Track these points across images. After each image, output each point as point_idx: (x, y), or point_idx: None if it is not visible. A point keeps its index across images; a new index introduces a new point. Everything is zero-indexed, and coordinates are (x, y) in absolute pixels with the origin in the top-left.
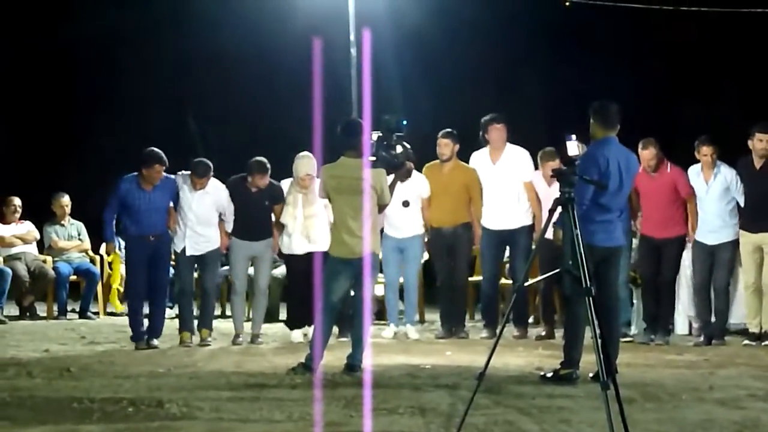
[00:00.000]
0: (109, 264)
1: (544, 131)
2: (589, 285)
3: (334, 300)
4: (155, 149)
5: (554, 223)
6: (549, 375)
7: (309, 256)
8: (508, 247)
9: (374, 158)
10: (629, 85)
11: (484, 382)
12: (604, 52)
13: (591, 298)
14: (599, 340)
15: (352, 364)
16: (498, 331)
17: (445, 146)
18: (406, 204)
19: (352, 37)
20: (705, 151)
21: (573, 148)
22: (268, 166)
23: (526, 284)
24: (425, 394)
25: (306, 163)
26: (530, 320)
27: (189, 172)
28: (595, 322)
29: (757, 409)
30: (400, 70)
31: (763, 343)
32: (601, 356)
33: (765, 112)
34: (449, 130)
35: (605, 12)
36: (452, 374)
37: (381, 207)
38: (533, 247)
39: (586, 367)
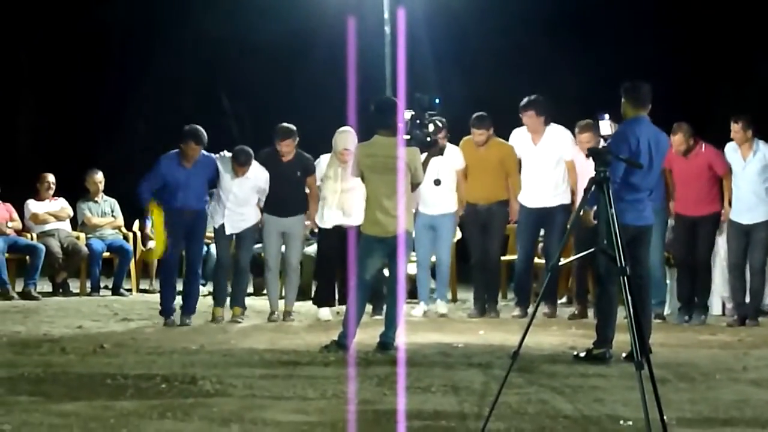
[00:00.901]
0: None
1: (577, 111)
2: (624, 264)
3: (367, 278)
4: (195, 126)
5: (586, 205)
6: (582, 354)
7: (340, 231)
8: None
9: (408, 137)
10: (663, 64)
11: (518, 361)
12: (638, 31)
13: (626, 278)
14: (633, 320)
15: (386, 342)
16: (532, 310)
17: (479, 136)
18: (437, 183)
19: (386, 15)
20: (734, 128)
21: (606, 127)
22: (293, 129)
23: (560, 263)
24: (458, 373)
25: (345, 137)
26: (563, 299)
27: (230, 155)
28: (630, 302)
29: None
30: (433, 49)
31: None
32: (635, 336)
33: None
34: (481, 115)
35: None
36: (485, 353)
37: (414, 186)
38: (568, 226)
39: (620, 346)
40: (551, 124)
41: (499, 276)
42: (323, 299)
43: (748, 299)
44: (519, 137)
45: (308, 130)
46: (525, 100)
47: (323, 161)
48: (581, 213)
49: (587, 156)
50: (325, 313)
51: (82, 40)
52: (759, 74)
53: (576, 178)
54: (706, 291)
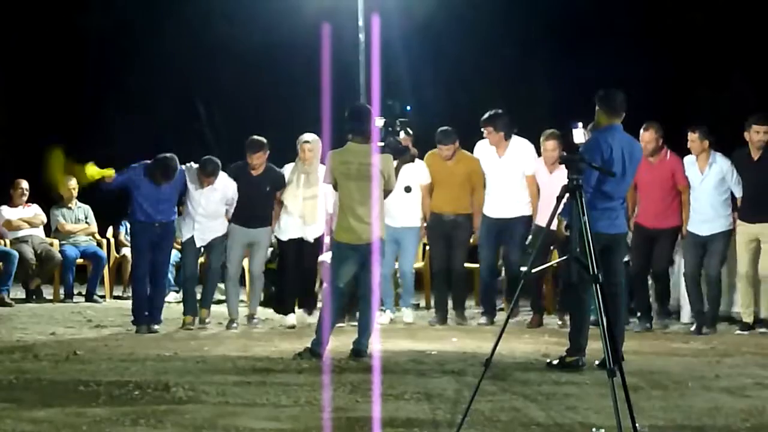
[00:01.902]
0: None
1: (550, 120)
2: (596, 272)
3: (341, 286)
4: (167, 159)
5: (559, 215)
6: (555, 362)
7: (299, 244)
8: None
9: (383, 144)
10: (636, 74)
11: (491, 368)
12: (611, 39)
13: (598, 285)
14: (606, 328)
15: (359, 350)
16: (505, 318)
17: (447, 151)
18: (408, 189)
19: (360, 23)
20: (691, 138)
21: (579, 135)
22: (264, 142)
23: (533, 271)
24: (431, 380)
25: (303, 137)
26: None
27: (197, 166)
28: (602, 310)
29: (763, 397)
30: (407, 57)
31: (759, 331)
32: (608, 343)
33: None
34: (446, 129)
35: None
36: (458, 360)
37: (386, 192)
38: (530, 236)
39: (592, 354)
40: (513, 137)
41: (464, 285)
42: (286, 307)
43: (706, 308)
44: (483, 149)
45: (281, 137)
46: (486, 114)
47: (288, 169)
48: (557, 224)
49: (560, 163)
50: (292, 318)
51: (57, 46)
52: (733, 81)
53: (535, 191)
54: (666, 297)
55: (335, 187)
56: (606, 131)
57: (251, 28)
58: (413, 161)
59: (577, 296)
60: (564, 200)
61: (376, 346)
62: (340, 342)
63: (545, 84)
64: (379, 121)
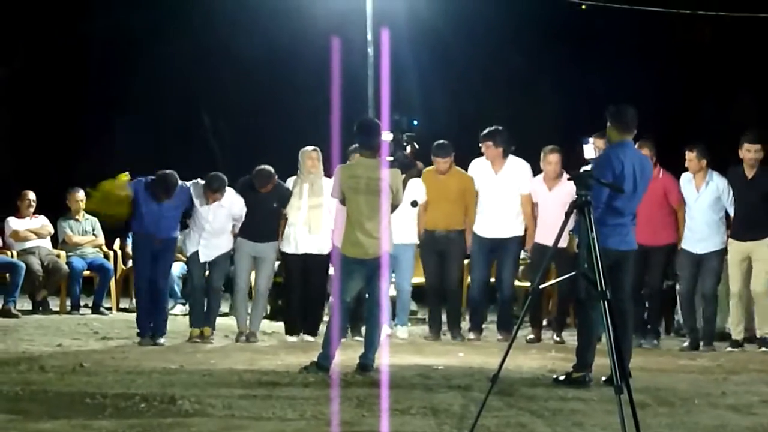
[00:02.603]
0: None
1: (557, 133)
2: (604, 289)
3: (348, 300)
4: (167, 176)
5: (570, 231)
6: (562, 378)
7: (304, 259)
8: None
9: (392, 158)
10: (642, 88)
11: (497, 384)
12: (618, 54)
13: (606, 302)
14: (613, 344)
15: (365, 364)
16: (511, 333)
17: (444, 164)
18: (414, 204)
19: (369, 37)
20: (689, 157)
21: (590, 151)
22: (271, 172)
23: (541, 287)
24: (438, 395)
25: (309, 148)
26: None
27: (203, 182)
28: (610, 326)
29: None
30: (417, 70)
31: (761, 350)
32: (615, 360)
33: None
34: (442, 143)
35: (620, 15)
36: (465, 375)
37: (393, 207)
38: (521, 255)
39: (599, 370)
40: (510, 156)
41: (459, 301)
42: (293, 327)
43: (700, 325)
44: (479, 166)
45: (287, 148)
46: (486, 130)
47: (289, 183)
48: (568, 240)
49: (569, 179)
50: (293, 339)
51: (62, 56)
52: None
53: (529, 211)
54: (657, 317)
55: (343, 202)
56: (617, 147)
57: (259, 40)
58: (419, 176)
59: (584, 312)
60: (573, 216)
61: (382, 360)
62: (346, 356)
63: (553, 97)
64: (387, 136)
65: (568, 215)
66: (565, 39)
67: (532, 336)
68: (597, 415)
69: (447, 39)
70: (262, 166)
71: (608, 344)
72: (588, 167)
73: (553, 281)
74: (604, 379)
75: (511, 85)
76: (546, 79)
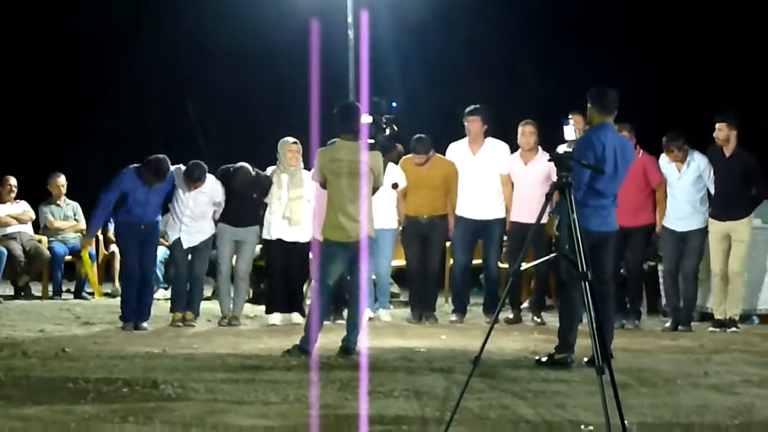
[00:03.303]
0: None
1: (538, 115)
2: (585, 270)
3: (330, 283)
4: (159, 160)
5: (551, 212)
6: (544, 359)
7: (284, 245)
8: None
9: (373, 141)
10: (627, 73)
11: (479, 366)
12: (602, 39)
13: (587, 283)
14: (594, 325)
15: (348, 347)
16: (494, 316)
17: (419, 159)
18: (395, 186)
19: (350, 19)
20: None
21: (570, 132)
22: (249, 169)
23: (522, 269)
24: (420, 378)
25: (289, 140)
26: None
27: (185, 168)
28: (591, 307)
29: (751, 394)
30: (398, 53)
31: (729, 330)
32: (597, 341)
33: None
34: (420, 137)
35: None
36: (447, 358)
37: (375, 190)
38: (505, 236)
39: (581, 351)
40: (488, 137)
41: (436, 285)
42: (273, 307)
43: (681, 304)
44: (457, 149)
45: (270, 135)
46: (471, 107)
47: (269, 172)
48: (547, 221)
49: (549, 161)
50: (275, 318)
51: (45, 44)
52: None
53: (509, 191)
54: (638, 297)
55: (323, 185)
56: (599, 129)
57: (239, 25)
58: (399, 158)
59: (566, 294)
60: (553, 198)
61: (364, 343)
62: (328, 339)
63: (533, 80)
64: (366, 119)
65: (549, 196)
66: (545, 22)
67: (510, 316)
68: (579, 396)
69: (427, 21)
70: (241, 164)
71: (590, 325)
72: (564, 146)
73: (533, 263)
74: (586, 360)
75: (491, 68)
76: (526, 61)
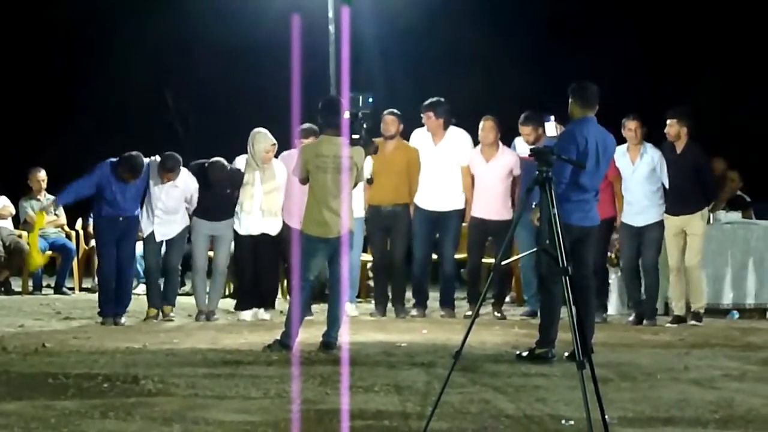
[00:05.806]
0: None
1: (517, 109)
2: (566, 264)
3: (311, 278)
4: (133, 158)
5: (535, 204)
6: (525, 354)
7: (254, 239)
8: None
9: (357, 136)
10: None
11: (461, 360)
12: (583, 35)
13: (568, 278)
14: (575, 320)
15: (328, 342)
16: (475, 310)
17: (391, 123)
18: (370, 181)
19: (330, 14)
20: (630, 126)
21: (551, 128)
22: (224, 164)
23: (503, 263)
24: (401, 372)
25: (265, 136)
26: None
27: (160, 160)
28: (572, 302)
29: (732, 389)
30: (378, 48)
31: (691, 323)
32: (577, 335)
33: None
34: (394, 110)
35: None
36: (428, 352)
37: (355, 184)
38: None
39: (562, 346)
40: (451, 127)
41: (404, 278)
42: (244, 303)
43: (644, 297)
44: (419, 137)
45: (251, 129)
46: (427, 101)
47: (239, 163)
48: (531, 213)
49: (530, 155)
50: (247, 314)
51: (25, 37)
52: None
53: (469, 182)
54: (603, 292)
55: (304, 181)
56: (581, 123)
57: (221, 19)
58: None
59: (546, 288)
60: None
61: (345, 338)
62: (309, 334)
63: (514, 74)
64: (347, 114)
65: (529, 191)
66: (527, 17)
67: (468, 312)
68: (560, 390)
69: (409, 15)
70: (216, 159)
71: (570, 320)
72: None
73: (514, 257)
74: (566, 354)
75: (475, 65)
76: (510, 56)
